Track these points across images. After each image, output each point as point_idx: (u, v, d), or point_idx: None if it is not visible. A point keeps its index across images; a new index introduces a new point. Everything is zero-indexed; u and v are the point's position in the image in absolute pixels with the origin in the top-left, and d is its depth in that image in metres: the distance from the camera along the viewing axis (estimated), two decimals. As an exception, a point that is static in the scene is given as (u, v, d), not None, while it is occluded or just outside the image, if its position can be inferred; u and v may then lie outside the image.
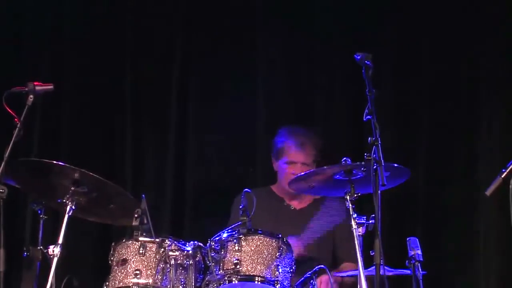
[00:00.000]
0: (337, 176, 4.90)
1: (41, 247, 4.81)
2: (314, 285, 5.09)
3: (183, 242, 4.90)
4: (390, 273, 4.92)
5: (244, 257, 4.79)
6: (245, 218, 4.87)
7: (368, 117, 4.57)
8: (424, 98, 6.45)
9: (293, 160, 5.77)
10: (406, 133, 6.44)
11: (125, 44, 6.70)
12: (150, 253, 4.82)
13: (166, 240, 4.85)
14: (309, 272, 5.14)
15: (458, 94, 6.40)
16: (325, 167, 4.95)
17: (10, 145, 4.49)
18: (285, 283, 4.82)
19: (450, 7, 6.40)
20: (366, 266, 4.65)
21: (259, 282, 4.76)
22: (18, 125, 4.55)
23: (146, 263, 4.81)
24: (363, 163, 4.63)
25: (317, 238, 5.74)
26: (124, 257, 4.84)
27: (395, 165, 4.82)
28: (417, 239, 4.98)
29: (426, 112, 6.44)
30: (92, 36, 6.68)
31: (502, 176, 4.47)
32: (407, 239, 5.00)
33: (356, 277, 4.75)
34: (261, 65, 6.66)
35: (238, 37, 6.65)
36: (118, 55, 6.69)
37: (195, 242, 4.89)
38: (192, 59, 6.70)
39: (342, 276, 5.44)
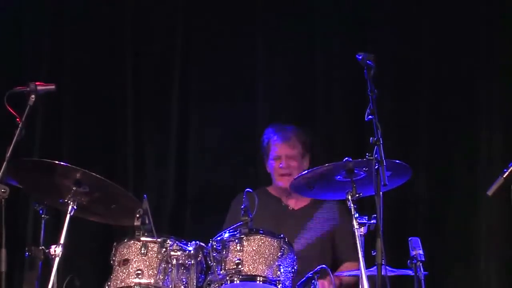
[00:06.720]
0: (339, 177, 4.89)
1: (43, 247, 4.79)
2: (316, 285, 5.09)
3: (184, 242, 4.89)
4: (392, 274, 4.92)
5: (246, 257, 4.79)
6: (246, 218, 4.87)
7: (370, 117, 4.57)
8: (424, 98, 6.46)
9: (278, 154, 5.77)
10: (406, 134, 6.44)
11: (126, 44, 6.70)
12: (152, 253, 4.81)
13: (168, 240, 4.84)
14: (311, 272, 5.14)
15: (458, 94, 6.40)
16: (326, 164, 4.93)
17: (12, 145, 4.48)
18: (286, 283, 4.81)
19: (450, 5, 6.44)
20: (367, 266, 4.66)
21: (261, 282, 4.76)
22: (20, 125, 4.54)
23: (147, 263, 4.80)
24: (365, 159, 4.61)
25: (317, 238, 5.73)
26: (126, 257, 4.83)
27: (397, 161, 4.81)
28: (418, 239, 4.98)
29: (427, 112, 6.44)
30: (92, 35, 6.69)
31: (504, 176, 4.48)
32: (409, 239, 5.00)
33: (355, 277, 4.75)
34: (261, 65, 6.66)
35: (238, 37, 6.66)
36: (119, 55, 6.69)
37: (197, 242, 4.89)
38: (193, 59, 6.71)
39: (341, 276, 5.45)
